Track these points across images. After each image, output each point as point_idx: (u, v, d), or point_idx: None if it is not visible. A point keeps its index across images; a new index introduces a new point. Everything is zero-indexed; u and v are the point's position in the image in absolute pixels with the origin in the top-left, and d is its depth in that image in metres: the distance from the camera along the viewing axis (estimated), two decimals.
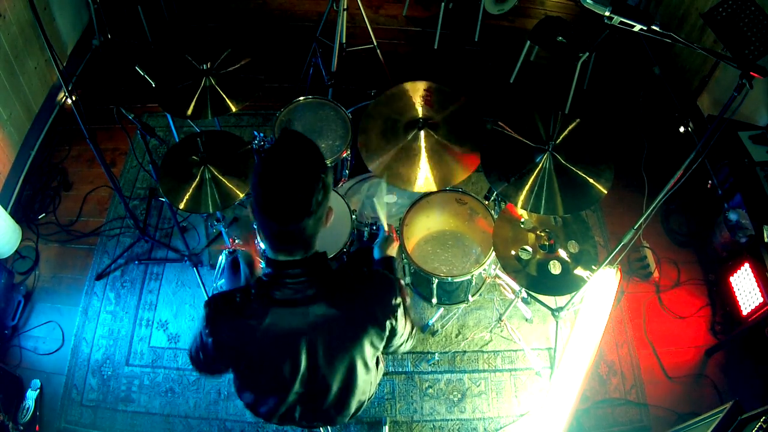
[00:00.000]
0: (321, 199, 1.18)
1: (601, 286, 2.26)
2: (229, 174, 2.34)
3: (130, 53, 3.86)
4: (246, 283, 1.57)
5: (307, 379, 1.36)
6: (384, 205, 2.00)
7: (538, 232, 2.31)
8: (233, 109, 2.44)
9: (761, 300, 2.53)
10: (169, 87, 2.47)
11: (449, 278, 2.28)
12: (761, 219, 2.54)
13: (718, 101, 3.35)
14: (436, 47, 4.13)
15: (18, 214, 3.15)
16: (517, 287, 2.62)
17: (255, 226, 2.39)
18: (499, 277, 2.78)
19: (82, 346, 2.76)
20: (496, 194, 2.43)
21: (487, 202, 2.43)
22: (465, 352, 2.78)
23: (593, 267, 2.23)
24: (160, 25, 4.07)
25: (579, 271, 2.24)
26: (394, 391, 2.66)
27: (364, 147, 2.31)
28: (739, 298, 2.71)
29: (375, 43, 3.38)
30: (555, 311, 2.66)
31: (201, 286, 2.90)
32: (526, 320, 2.87)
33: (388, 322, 1.32)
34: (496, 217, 2.36)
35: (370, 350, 1.36)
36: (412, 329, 1.51)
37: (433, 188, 2.25)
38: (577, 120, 2.17)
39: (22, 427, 2.43)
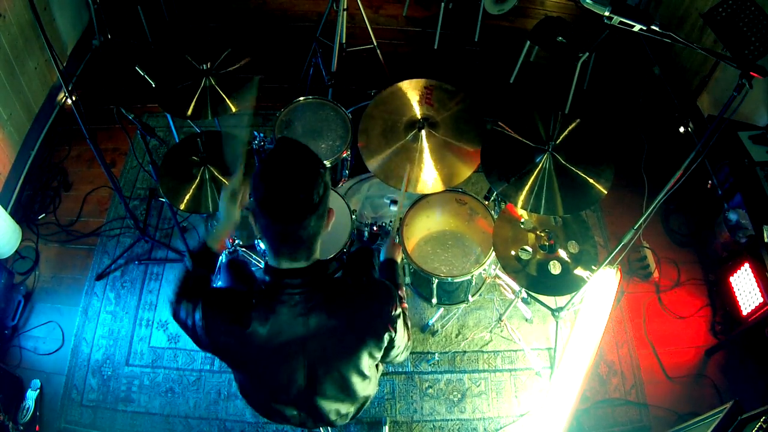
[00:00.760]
0: (322, 194, 1.18)
1: (601, 286, 2.26)
2: (230, 174, 2.34)
3: (130, 53, 3.86)
4: (238, 282, 1.55)
5: (304, 388, 1.35)
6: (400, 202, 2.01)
7: (538, 232, 2.31)
8: (233, 109, 2.44)
9: (761, 300, 2.53)
10: (169, 87, 2.47)
11: (449, 278, 2.28)
12: (761, 219, 2.54)
13: (718, 101, 3.35)
14: (436, 47, 4.13)
15: (18, 214, 3.15)
16: (517, 287, 2.62)
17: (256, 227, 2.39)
18: (499, 277, 2.78)
19: (82, 346, 2.76)
20: (496, 194, 2.43)
21: (487, 202, 2.43)
22: (465, 352, 2.78)
23: (593, 267, 2.23)
24: (160, 25, 4.07)
25: (579, 271, 2.24)
26: (394, 391, 2.66)
27: (364, 147, 2.31)
28: (739, 298, 2.70)
29: (375, 43, 3.38)
30: (555, 311, 2.66)
31: None
32: (526, 320, 2.87)
33: (387, 334, 1.32)
34: (496, 217, 2.36)
35: (368, 361, 1.35)
36: (409, 340, 1.50)
37: (436, 189, 2.25)
38: (577, 120, 2.17)
39: (22, 427, 2.43)
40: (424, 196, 2.42)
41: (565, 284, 2.25)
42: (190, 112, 2.41)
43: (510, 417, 2.62)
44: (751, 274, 2.60)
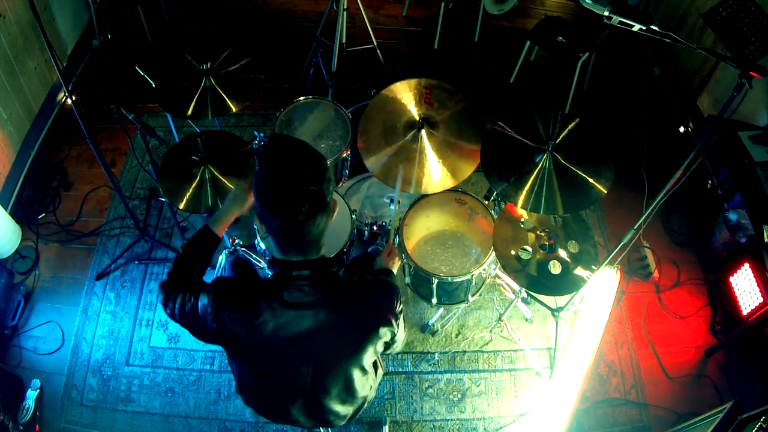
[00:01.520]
0: (331, 189, 1.21)
1: (601, 286, 2.26)
2: (229, 174, 2.34)
3: (130, 53, 3.86)
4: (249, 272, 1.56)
5: (309, 383, 1.36)
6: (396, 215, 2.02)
7: (538, 232, 2.31)
8: (233, 109, 2.44)
9: (761, 300, 2.53)
10: (169, 87, 2.47)
11: (449, 278, 2.28)
12: (761, 219, 2.54)
13: (718, 101, 3.35)
14: (436, 47, 4.13)
15: (18, 214, 3.15)
16: (517, 287, 2.62)
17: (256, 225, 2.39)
18: (499, 277, 2.78)
19: (82, 346, 2.76)
20: (496, 194, 2.43)
21: (487, 202, 2.43)
22: (465, 352, 2.78)
23: (593, 267, 2.23)
24: (160, 25, 4.07)
25: (579, 271, 2.24)
26: (394, 391, 2.66)
27: (363, 148, 2.31)
28: (739, 298, 2.70)
29: (375, 43, 3.38)
30: (555, 311, 2.66)
31: None
32: (526, 320, 2.87)
33: (390, 330, 1.34)
34: (496, 217, 2.36)
35: (371, 356, 1.38)
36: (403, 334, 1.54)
37: (436, 189, 2.25)
38: (577, 120, 2.17)
39: (22, 427, 2.43)
40: (424, 196, 2.42)
41: (565, 284, 2.25)
42: (190, 112, 2.41)
43: (510, 417, 2.62)
44: (751, 274, 2.61)
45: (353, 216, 2.35)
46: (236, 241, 2.77)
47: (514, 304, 2.75)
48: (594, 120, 3.68)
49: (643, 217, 1.93)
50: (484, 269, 2.33)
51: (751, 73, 1.46)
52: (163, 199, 2.45)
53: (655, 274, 3.04)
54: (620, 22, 1.54)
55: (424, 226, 2.49)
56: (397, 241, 2.33)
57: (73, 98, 2.21)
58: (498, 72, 3.96)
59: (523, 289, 2.54)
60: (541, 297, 2.76)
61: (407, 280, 2.56)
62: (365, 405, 1.60)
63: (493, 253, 2.25)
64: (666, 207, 3.28)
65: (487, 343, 2.81)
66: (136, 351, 2.75)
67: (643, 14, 1.53)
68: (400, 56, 4.03)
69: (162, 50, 3.97)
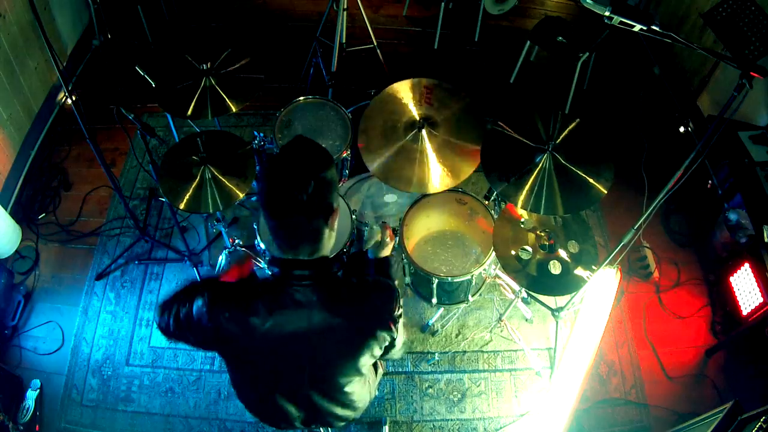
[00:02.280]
0: (313, 193, 1.18)
1: (601, 286, 2.26)
2: (229, 174, 2.34)
3: (130, 53, 3.86)
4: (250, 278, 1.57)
5: (304, 384, 1.36)
6: (380, 205, 2.00)
7: (538, 232, 2.31)
8: (233, 109, 2.44)
9: (761, 300, 2.53)
10: (169, 87, 2.47)
11: (449, 278, 2.28)
12: (761, 219, 2.54)
13: (718, 101, 3.34)
14: (436, 47, 4.13)
15: (18, 214, 3.15)
16: (517, 287, 2.62)
17: (256, 225, 2.39)
18: (499, 277, 2.78)
19: (82, 346, 2.76)
20: (496, 194, 2.43)
21: (487, 202, 2.43)
22: (465, 352, 2.78)
23: (593, 267, 2.23)
24: (160, 25, 4.07)
25: (579, 271, 2.24)
26: (394, 391, 2.66)
27: (364, 147, 2.31)
28: (739, 298, 2.70)
29: (375, 43, 3.38)
30: (555, 311, 2.66)
31: None
32: (526, 320, 2.87)
33: (388, 334, 1.33)
34: (496, 217, 2.36)
35: (368, 359, 1.36)
36: (405, 337, 1.53)
37: (437, 189, 2.25)
38: (577, 120, 2.16)
39: (22, 427, 2.43)
40: (424, 196, 2.42)
41: (565, 284, 2.25)
42: (190, 112, 2.41)
43: (510, 417, 2.62)
44: (751, 274, 2.60)
45: (353, 216, 2.35)
46: (236, 241, 2.77)
47: (514, 304, 2.75)
48: (594, 120, 3.68)
49: (643, 217, 1.93)
50: (484, 269, 2.33)
51: (751, 73, 1.46)
52: (163, 199, 2.44)
53: (655, 274, 3.04)
54: (621, 23, 1.54)
55: (424, 226, 2.49)
56: (396, 241, 2.33)
57: (73, 98, 2.21)
58: (498, 72, 3.96)
59: (523, 289, 2.54)
60: (541, 297, 2.76)
61: (407, 280, 2.56)
62: (365, 406, 1.60)
63: (493, 253, 2.25)
64: (666, 207, 3.28)
65: (487, 343, 2.81)
66: (136, 351, 2.75)
67: (644, 14, 1.53)
68: (400, 56, 4.03)
69: (162, 50, 3.97)
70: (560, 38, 3.47)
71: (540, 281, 2.23)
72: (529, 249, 2.28)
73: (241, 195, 2.31)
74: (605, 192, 2.02)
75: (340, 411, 1.50)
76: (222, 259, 2.83)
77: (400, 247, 2.33)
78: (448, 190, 2.38)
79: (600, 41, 3.34)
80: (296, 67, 3.75)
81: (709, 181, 3.12)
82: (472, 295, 2.50)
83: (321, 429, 2.02)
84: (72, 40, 3.78)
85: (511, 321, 2.84)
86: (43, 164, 3.40)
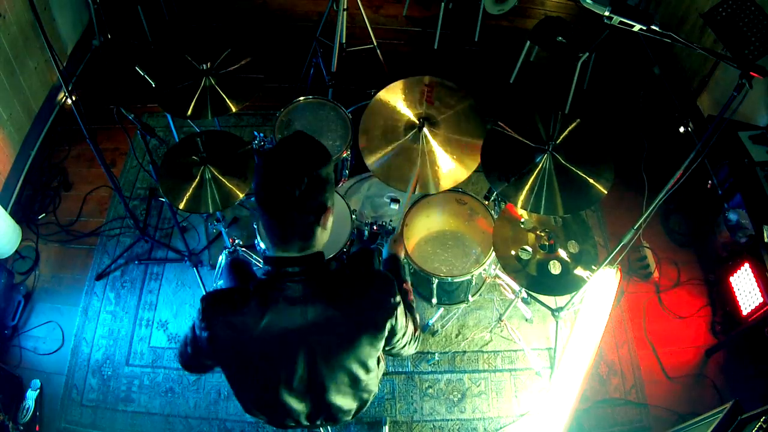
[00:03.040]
0: (306, 190, 1.18)
1: (601, 286, 2.26)
2: (229, 174, 2.34)
3: (130, 53, 3.86)
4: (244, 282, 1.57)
5: (306, 380, 1.36)
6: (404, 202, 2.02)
7: (538, 232, 2.31)
8: (233, 109, 2.44)
9: (761, 300, 2.53)
10: (169, 87, 2.47)
11: (449, 278, 2.28)
12: (761, 219, 2.54)
13: (718, 101, 3.35)
14: (436, 47, 4.13)
15: (18, 214, 3.15)
16: (517, 287, 2.62)
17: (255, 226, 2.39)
18: (499, 277, 2.78)
19: (82, 346, 2.76)
20: (496, 194, 2.43)
21: (487, 202, 2.43)
22: (465, 352, 2.78)
23: (593, 267, 2.23)
24: (160, 25, 4.07)
25: (579, 271, 2.24)
26: (394, 391, 2.66)
27: (365, 147, 2.31)
28: (739, 298, 2.70)
29: (375, 43, 3.38)
30: (555, 311, 2.66)
31: (201, 286, 2.90)
32: (526, 320, 2.87)
33: (387, 323, 1.33)
34: (496, 217, 2.36)
35: (369, 351, 1.36)
36: (416, 331, 1.52)
37: (438, 189, 2.25)
38: (577, 120, 2.16)
39: (22, 427, 2.43)
40: (424, 196, 2.42)
41: (565, 284, 2.24)
42: (190, 112, 2.41)
43: (510, 417, 2.62)
44: (751, 274, 2.60)
45: (353, 216, 2.35)
46: (236, 241, 2.77)
47: (514, 304, 2.75)
48: (594, 120, 3.68)
49: (643, 217, 1.93)
50: (484, 269, 2.33)
51: (751, 73, 1.46)
52: (163, 199, 2.44)
53: (655, 274, 3.04)
54: (621, 23, 1.54)
55: (424, 226, 2.49)
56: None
57: (73, 98, 2.21)
58: (498, 72, 3.96)
59: (523, 289, 2.54)
60: (541, 297, 2.76)
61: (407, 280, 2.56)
62: (369, 399, 1.59)
63: (493, 253, 2.25)
64: (666, 207, 3.28)
65: (487, 343, 2.81)
66: (136, 351, 2.75)
67: (644, 14, 1.53)
68: (400, 56, 4.03)
69: (162, 50, 3.97)
70: (560, 38, 3.47)
71: (540, 281, 2.23)
72: (529, 249, 2.28)
73: (241, 195, 2.31)
74: (605, 192, 2.02)
75: (344, 403, 1.50)
76: (222, 259, 2.83)
77: None
78: (448, 189, 2.38)
79: (600, 41, 3.34)
80: (296, 67, 3.75)
81: (709, 181, 3.12)
82: (472, 295, 2.50)
83: (321, 429, 2.02)
84: (72, 40, 3.78)
85: (511, 321, 2.84)
86: (43, 164, 3.40)
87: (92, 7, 3.60)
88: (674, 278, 3.05)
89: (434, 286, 2.37)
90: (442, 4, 3.90)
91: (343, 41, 3.23)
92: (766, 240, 2.47)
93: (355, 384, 1.45)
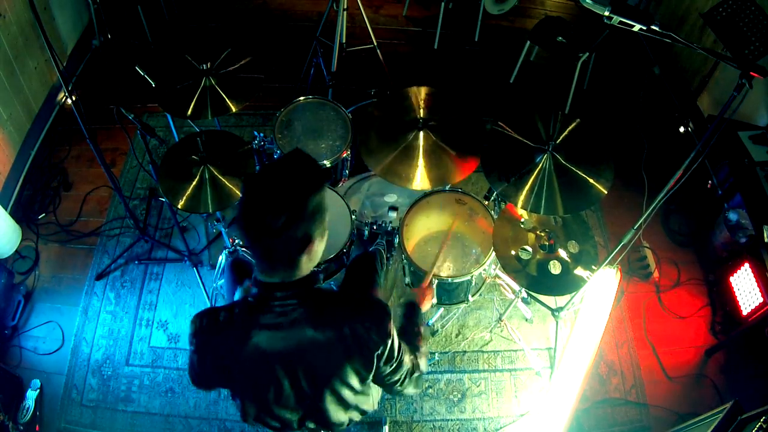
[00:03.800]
0: (289, 225, 1.12)
1: (601, 286, 2.26)
2: (229, 174, 2.34)
3: (130, 53, 3.86)
4: (234, 300, 1.55)
5: (294, 401, 1.33)
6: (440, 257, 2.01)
7: (538, 232, 2.31)
8: (233, 109, 2.44)
9: (761, 300, 2.53)
10: (169, 87, 2.47)
11: (449, 278, 2.28)
12: (761, 219, 2.54)
13: (718, 101, 3.35)
14: (436, 47, 4.13)
15: (18, 214, 3.15)
16: (517, 287, 2.61)
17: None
18: (499, 277, 2.77)
19: (82, 346, 2.76)
20: (496, 194, 2.43)
21: (487, 202, 2.43)
22: (465, 352, 2.78)
23: (593, 267, 2.23)
24: (160, 25, 4.07)
25: (579, 271, 2.24)
26: None
27: (364, 147, 2.31)
28: (739, 298, 2.70)
29: (375, 43, 3.38)
30: (555, 311, 2.66)
31: (201, 286, 2.90)
32: (526, 320, 2.87)
33: (374, 355, 1.27)
34: (496, 217, 2.36)
35: (355, 378, 1.30)
36: (414, 372, 1.45)
37: (431, 187, 2.26)
38: (577, 120, 2.16)
39: (22, 427, 2.43)
40: (424, 196, 2.42)
41: (565, 284, 2.24)
42: (190, 112, 2.41)
43: (510, 417, 2.62)
44: (751, 274, 2.61)
45: (353, 216, 2.35)
46: (236, 241, 2.77)
47: (514, 304, 2.75)
48: (594, 120, 3.68)
49: (643, 217, 1.93)
50: (484, 269, 2.33)
51: (751, 73, 1.46)
52: (163, 199, 2.44)
53: (655, 274, 3.04)
54: (621, 23, 1.54)
55: (424, 226, 2.49)
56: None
57: (73, 98, 2.21)
58: (498, 72, 3.95)
59: (523, 289, 2.54)
60: (541, 297, 2.76)
61: (407, 280, 2.56)
62: (363, 414, 1.54)
63: (493, 253, 2.25)
64: (666, 207, 3.28)
65: (487, 343, 2.81)
66: (136, 351, 2.75)
67: (644, 14, 1.53)
68: (400, 56, 4.03)
69: (162, 50, 3.97)
70: (560, 38, 3.47)
71: (540, 281, 2.23)
72: (529, 249, 2.28)
73: (241, 198, 2.30)
74: (605, 192, 2.02)
75: (337, 418, 1.48)
76: (222, 259, 2.83)
77: (399, 247, 2.33)
78: (448, 189, 2.38)
79: (600, 41, 3.34)
80: (296, 67, 3.75)
81: (709, 181, 3.12)
82: (472, 295, 2.50)
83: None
84: (72, 40, 3.78)
85: (511, 321, 2.84)
86: (43, 164, 3.40)
87: (92, 7, 3.60)
88: (674, 278, 3.05)
89: (434, 286, 2.37)
90: (442, 4, 3.90)
91: (343, 41, 3.23)
92: (766, 240, 2.47)
93: (344, 404, 1.40)
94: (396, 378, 1.40)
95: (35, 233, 3.11)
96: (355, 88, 3.51)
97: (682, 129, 3.40)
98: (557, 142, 2.11)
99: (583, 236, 2.32)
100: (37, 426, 2.50)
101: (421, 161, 2.29)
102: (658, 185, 1.85)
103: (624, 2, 1.52)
